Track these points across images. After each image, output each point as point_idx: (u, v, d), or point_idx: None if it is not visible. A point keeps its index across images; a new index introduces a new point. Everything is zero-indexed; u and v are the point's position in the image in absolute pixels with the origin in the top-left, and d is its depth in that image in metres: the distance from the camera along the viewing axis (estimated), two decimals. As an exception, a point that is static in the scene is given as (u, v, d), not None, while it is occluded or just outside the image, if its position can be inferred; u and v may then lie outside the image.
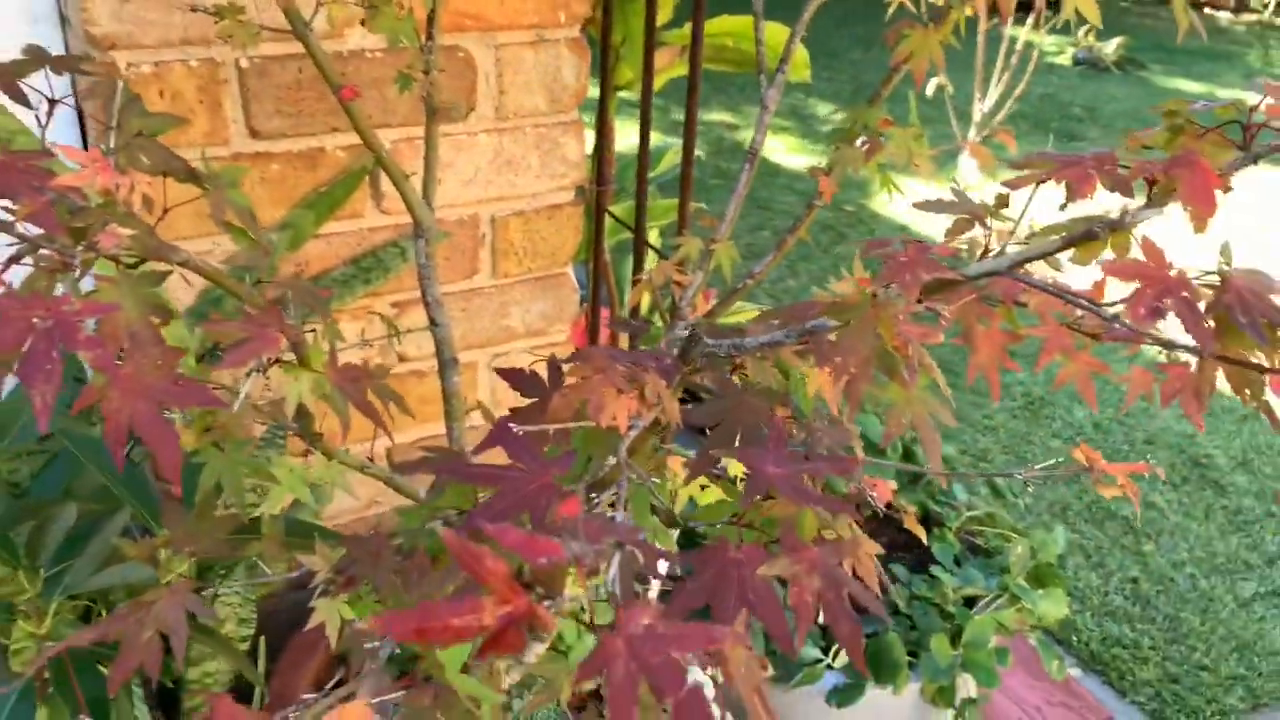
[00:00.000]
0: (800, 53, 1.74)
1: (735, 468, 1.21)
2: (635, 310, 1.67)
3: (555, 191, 1.57)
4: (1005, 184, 0.59)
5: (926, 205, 0.64)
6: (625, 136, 4.30)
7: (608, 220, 1.67)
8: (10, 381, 1.17)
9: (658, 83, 1.54)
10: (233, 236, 0.72)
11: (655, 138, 1.60)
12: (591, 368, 0.57)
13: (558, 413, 0.56)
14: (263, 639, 1.33)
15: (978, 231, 0.62)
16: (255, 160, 1.34)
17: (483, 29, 1.41)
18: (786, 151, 4.96)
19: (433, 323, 1.12)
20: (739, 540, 0.55)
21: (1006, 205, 0.62)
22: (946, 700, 1.64)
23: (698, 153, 2.56)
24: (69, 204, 0.63)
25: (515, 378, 0.67)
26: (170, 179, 0.72)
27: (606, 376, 0.56)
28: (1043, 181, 0.56)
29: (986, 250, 0.61)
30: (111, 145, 0.67)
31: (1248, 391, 0.54)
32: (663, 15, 1.62)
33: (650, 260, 1.73)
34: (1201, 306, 0.52)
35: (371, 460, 0.92)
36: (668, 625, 0.39)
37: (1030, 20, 4.50)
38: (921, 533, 0.77)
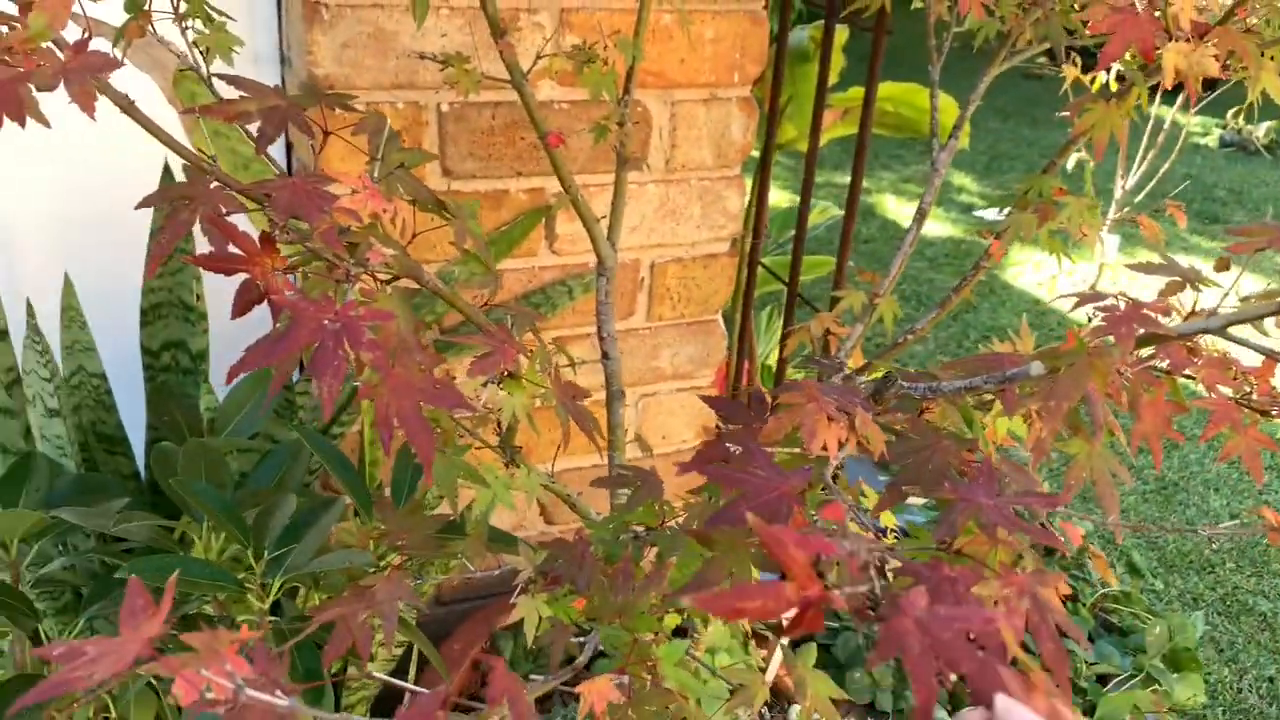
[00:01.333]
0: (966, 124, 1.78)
1: (888, 518, 1.24)
2: (782, 364, 1.71)
3: (713, 241, 1.63)
4: (1227, 249, 0.62)
5: (1138, 267, 0.68)
6: (773, 193, 4.38)
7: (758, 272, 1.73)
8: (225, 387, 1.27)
9: (821, 142, 1.60)
10: (466, 261, 0.80)
11: (797, 197, 1.66)
12: (804, 396, 0.62)
13: (771, 434, 0.61)
14: (414, 648, 1.40)
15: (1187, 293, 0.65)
16: (446, 198, 1.43)
17: (662, 86, 1.49)
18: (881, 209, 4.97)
19: (605, 355, 1.19)
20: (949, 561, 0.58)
21: (1227, 267, 0.65)
22: (1074, 777, 1.61)
23: (835, 211, 2.61)
24: (338, 225, 0.72)
25: (718, 403, 0.72)
26: (416, 208, 0.80)
27: (819, 405, 0.61)
28: (1262, 250, 0.59)
29: (1194, 312, 0.64)
30: (375, 175, 0.75)
31: None
32: (830, 79, 1.67)
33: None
34: None
35: (554, 478, 0.98)
36: (946, 608, 0.43)
37: (1180, 100, 4.43)
38: (1113, 578, 0.79)
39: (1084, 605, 1.87)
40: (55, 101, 0.61)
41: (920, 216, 1.24)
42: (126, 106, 0.68)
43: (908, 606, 0.41)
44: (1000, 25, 1.16)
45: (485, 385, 0.72)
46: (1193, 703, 1.67)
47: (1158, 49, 0.89)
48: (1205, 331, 0.61)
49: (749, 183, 1.69)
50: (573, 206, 1.12)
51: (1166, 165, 4.41)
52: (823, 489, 0.61)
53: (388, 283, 0.74)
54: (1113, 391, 0.63)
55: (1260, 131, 6.30)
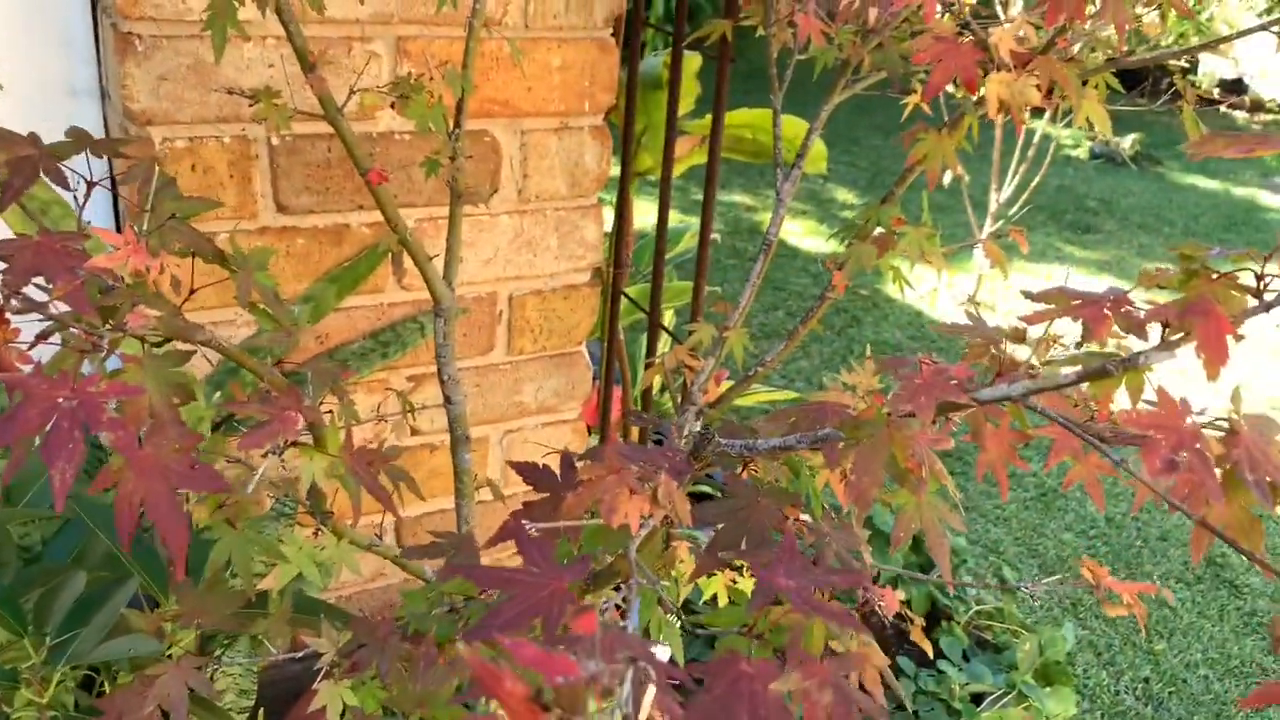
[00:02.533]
0: (818, 146, 1.78)
1: (715, 584, 1.21)
2: (647, 393, 1.68)
3: (572, 272, 1.59)
4: (1023, 319, 0.60)
5: (945, 328, 0.66)
6: (643, 215, 4.35)
7: (623, 301, 1.69)
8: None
9: (677, 169, 1.57)
10: (256, 317, 0.74)
11: (674, 217, 1.63)
12: (605, 468, 0.58)
13: (571, 510, 0.57)
14: (261, 711, 1.32)
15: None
16: (282, 234, 1.37)
17: (510, 115, 1.44)
18: (803, 234, 5.01)
19: (448, 400, 1.13)
20: (749, 651, 0.55)
21: (1023, 339, 0.63)
22: (951, 800, 1.61)
23: (714, 234, 2.60)
24: (100, 283, 0.65)
25: (528, 471, 0.68)
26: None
27: (620, 477, 0.57)
28: (1058, 318, 0.58)
29: (1000, 373, 0.62)
30: (144, 227, 0.69)
31: (1245, 544, 0.55)
32: (684, 106, 1.65)
33: (664, 342, 1.75)
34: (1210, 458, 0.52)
35: (380, 536, 0.92)
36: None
37: (1048, 114, 4.57)
38: (928, 646, 0.76)
39: (958, 624, 1.88)
40: None
41: (767, 247, 1.22)
42: None
43: None
44: (839, 53, 1.15)
45: (273, 454, 0.66)
46: (1063, 716, 1.69)
47: (982, 79, 0.88)
48: (1007, 399, 0.59)
49: (609, 212, 1.66)
50: (402, 245, 1.06)
51: (1039, 177, 4.54)
52: (622, 563, 0.56)
53: (158, 346, 0.68)
54: (911, 466, 0.60)
55: (1126, 143, 6.56)
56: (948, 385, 0.57)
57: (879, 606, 0.69)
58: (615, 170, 1.64)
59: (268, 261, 0.71)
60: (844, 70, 1.16)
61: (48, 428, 0.54)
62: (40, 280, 0.62)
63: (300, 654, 1.36)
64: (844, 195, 5.65)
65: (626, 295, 1.68)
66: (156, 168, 0.69)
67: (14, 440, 0.54)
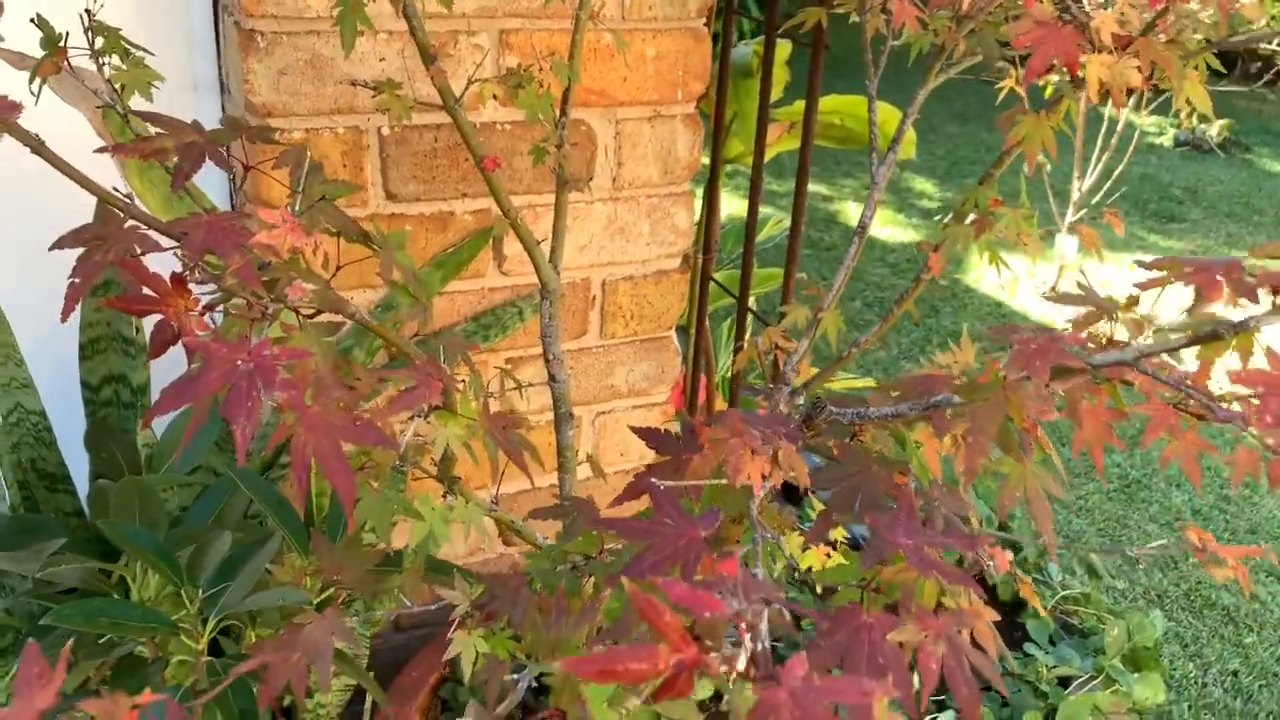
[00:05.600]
0: (908, 132, 1.79)
1: (838, 531, 1.24)
2: (737, 377, 1.71)
3: (663, 258, 1.63)
4: (1137, 285, 0.63)
5: (1058, 298, 0.68)
6: (726, 207, 4.37)
7: (710, 287, 1.73)
8: (165, 417, 1.25)
9: (766, 156, 1.60)
10: (397, 293, 0.79)
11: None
12: (728, 430, 0.62)
13: (697, 470, 0.61)
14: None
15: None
16: (390, 221, 1.43)
17: (605, 105, 1.49)
18: (880, 224, 4.99)
19: (552, 378, 1.18)
20: (867, 604, 0.58)
21: (1136, 304, 0.65)
22: (1038, 781, 1.62)
23: (788, 223, 2.62)
24: (258, 260, 0.71)
25: (651, 436, 0.72)
26: (342, 239, 0.79)
27: (743, 440, 0.61)
28: (1170, 284, 0.60)
29: (1111, 342, 0.64)
30: (296, 208, 0.74)
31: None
32: (774, 93, 1.68)
33: (751, 326, 1.78)
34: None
35: (496, 504, 0.97)
36: (821, 678, 0.43)
37: (1131, 101, 4.48)
38: (1037, 600, 0.79)
39: (1044, 608, 1.88)
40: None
41: (861, 231, 1.24)
42: (36, 146, 0.67)
43: (784, 676, 0.40)
44: (934, 39, 1.17)
45: (412, 419, 0.71)
46: (1152, 701, 1.69)
47: (1082, 62, 0.90)
48: (1120, 363, 0.61)
49: (700, 198, 1.69)
50: (514, 229, 1.11)
51: (1122, 165, 4.46)
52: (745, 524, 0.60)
53: (310, 318, 0.73)
54: (1028, 426, 0.63)
55: (1214, 130, 6.39)
56: (1061, 350, 0.60)
57: (989, 566, 0.71)
58: (705, 159, 1.67)
59: (405, 242, 0.76)
60: (938, 56, 1.18)
61: (228, 388, 0.60)
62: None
63: (397, 622, 1.42)
64: (921, 185, 5.60)
65: (716, 280, 1.71)
66: (308, 154, 0.74)
67: (198, 399, 0.60)
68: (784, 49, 1.69)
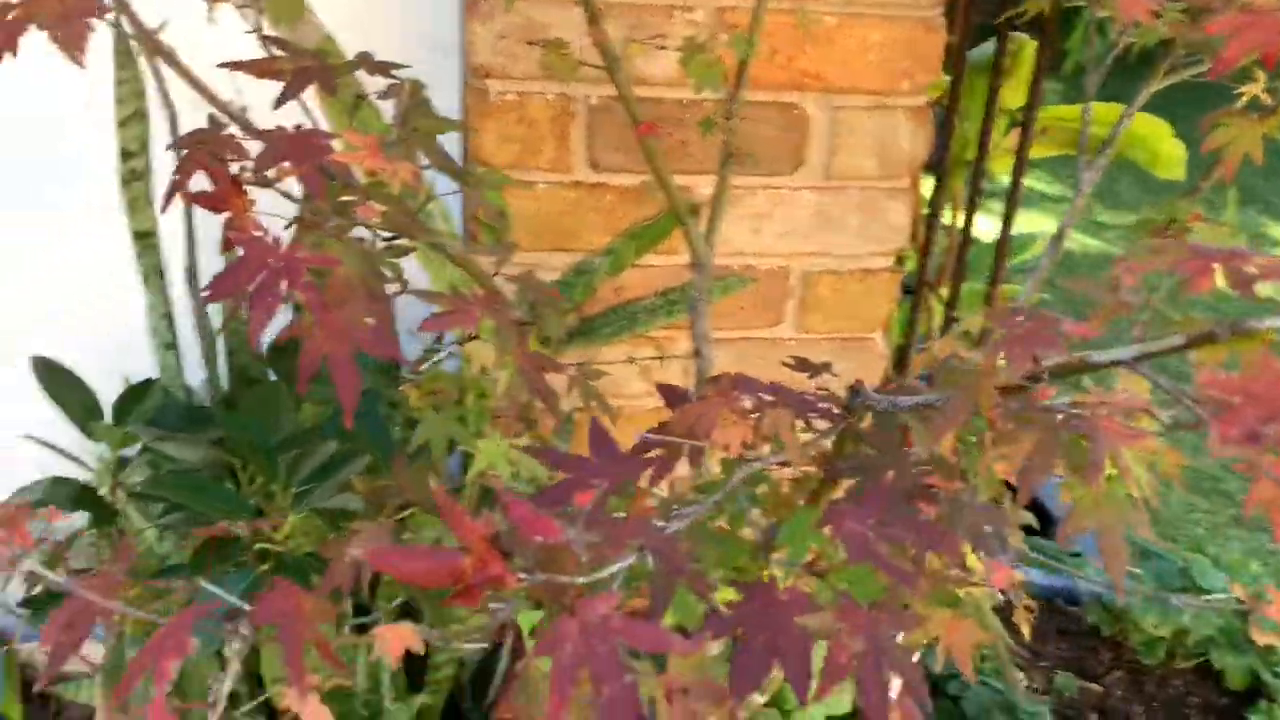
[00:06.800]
0: (1177, 149, 1.61)
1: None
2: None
3: (873, 255, 1.57)
4: (1122, 264, 0.53)
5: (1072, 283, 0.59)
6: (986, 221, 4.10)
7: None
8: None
9: (1002, 161, 1.50)
10: (484, 233, 0.82)
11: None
12: (717, 390, 0.59)
13: (674, 426, 0.58)
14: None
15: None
16: (592, 190, 1.47)
17: (821, 89, 1.45)
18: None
19: (697, 353, 1.17)
20: (793, 582, 0.54)
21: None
22: None
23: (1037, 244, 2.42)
24: (345, 180, 0.76)
25: (667, 392, 0.70)
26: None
27: (725, 401, 0.58)
28: (1158, 270, 0.51)
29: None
30: (393, 137, 0.79)
31: None
32: (1018, 98, 1.56)
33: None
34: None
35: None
36: (623, 620, 0.40)
37: None
38: (1026, 628, 0.69)
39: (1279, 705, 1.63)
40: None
41: (1057, 240, 1.14)
42: (169, 59, 0.75)
43: (582, 610, 0.38)
44: (1164, 32, 1.04)
45: (457, 344, 0.74)
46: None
47: (1293, 52, 0.76)
48: (1119, 363, 0.52)
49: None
50: (669, 200, 1.11)
51: None
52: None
53: (390, 240, 0.78)
54: (990, 415, 0.55)
55: None
56: (1050, 338, 0.52)
57: (986, 585, 0.63)
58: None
59: (501, 185, 0.78)
60: (1167, 52, 1.06)
61: (257, 281, 0.64)
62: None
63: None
64: (1131, 194, 4.99)
65: (930, 286, 1.62)
66: (408, 87, 0.78)
67: (233, 289, 0.65)
68: (1030, 46, 1.56)
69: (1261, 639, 0.63)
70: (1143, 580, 1.75)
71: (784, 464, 0.64)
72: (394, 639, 0.52)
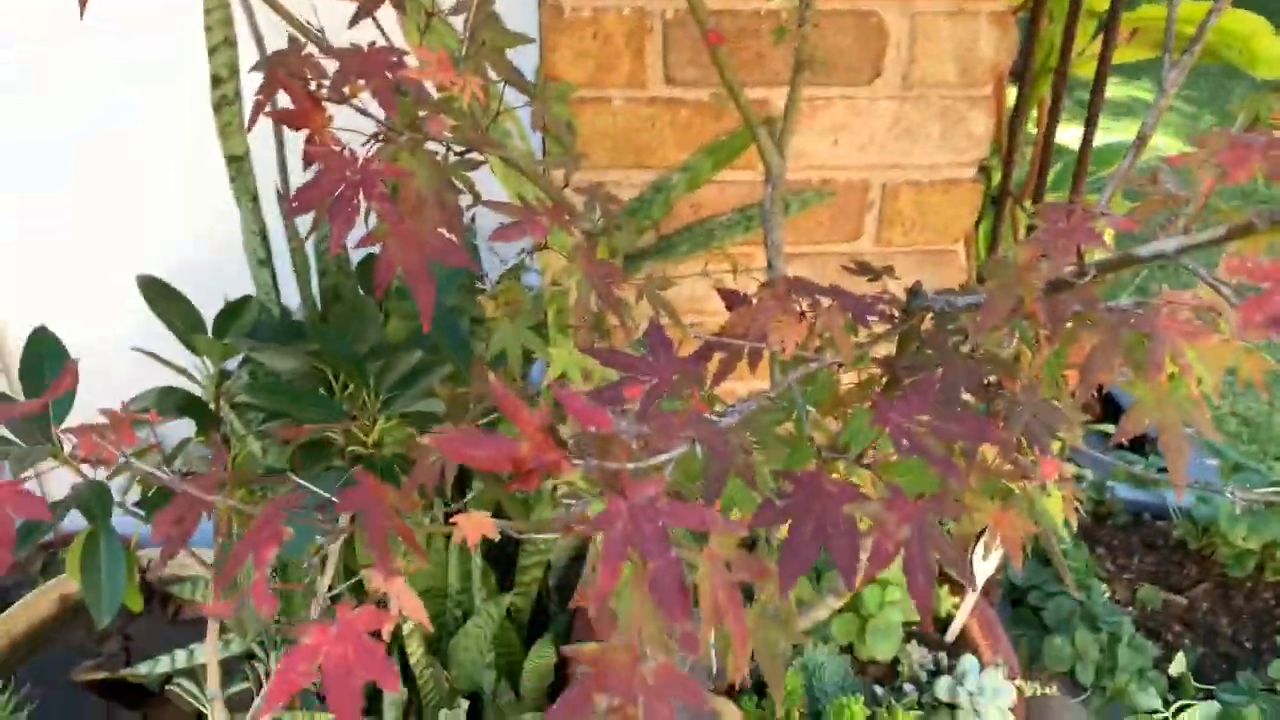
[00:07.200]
0: (1276, 46, 1.54)
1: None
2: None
3: (954, 165, 1.54)
4: (1167, 161, 0.53)
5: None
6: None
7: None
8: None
9: (1090, 66, 1.45)
10: (550, 143, 0.84)
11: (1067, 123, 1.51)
12: (773, 293, 0.61)
13: (731, 327, 0.60)
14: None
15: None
16: (668, 105, 1.47)
17: (900, -4, 1.42)
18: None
19: (770, 265, 1.18)
20: (846, 474, 0.56)
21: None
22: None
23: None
24: (418, 95, 0.78)
25: (728, 295, 0.71)
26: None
27: (781, 303, 0.59)
28: (1204, 161, 0.50)
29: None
30: (464, 52, 0.81)
31: None
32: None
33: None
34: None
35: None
36: (669, 503, 0.43)
37: None
38: (1059, 513, 0.70)
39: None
40: None
41: (1139, 143, 1.10)
42: (249, -17, 0.78)
43: (631, 492, 0.41)
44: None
45: (527, 254, 0.77)
46: None
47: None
48: (1161, 256, 0.52)
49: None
50: (739, 110, 1.12)
51: None
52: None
53: (463, 154, 0.80)
54: (1033, 308, 0.56)
55: None
56: (1091, 232, 0.52)
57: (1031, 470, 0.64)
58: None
59: (568, 95, 0.80)
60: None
61: (336, 193, 0.68)
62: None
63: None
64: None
65: (1014, 197, 1.59)
66: (477, 3, 0.80)
67: (314, 202, 0.68)
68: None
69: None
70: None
71: (839, 365, 0.65)
72: (472, 526, 0.56)
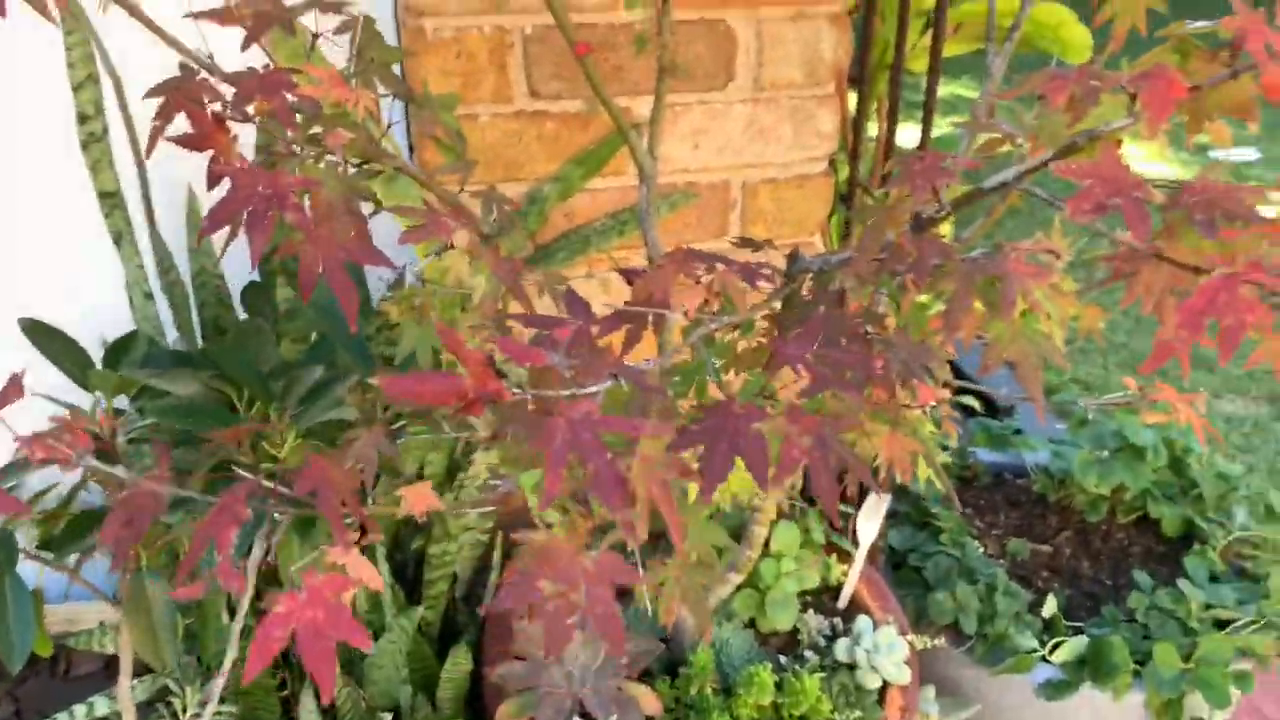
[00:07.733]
0: (1081, 32, 1.70)
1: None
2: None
3: (806, 161, 1.64)
4: (993, 96, 0.62)
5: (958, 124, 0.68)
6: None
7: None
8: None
9: (921, 61, 1.57)
10: (441, 151, 0.88)
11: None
12: (671, 260, 0.67)
13: (636, 296, 0.66)
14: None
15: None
16: (534, 118, 1.53)
17: (746, 4, 1.51)
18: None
19: (650, 261, 1.25)
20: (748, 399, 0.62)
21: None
22: (1173, 716, 1.55)
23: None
24: (311, 112, 0.82)
25: (630, 273, 0.77)
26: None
27: (679, 268, 0.65)
28: (1030, 92, 0.59)
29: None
30: (352, 69, 0.85)
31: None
32: (931, -5, 1.64)
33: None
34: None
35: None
36: (603, 416, 0.48)
37: None
38: (952, 430, 0.79)
39: (1213, 547, 1.77)
40: None
41: (971, 129, 1.22)
42: (133, 11, 0.80)
43: (567, 409, 0.46)
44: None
45: (434, 255, 0.81)
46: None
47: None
48: (1004, 185, 0.61)
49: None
50: (610, 116, 1.18)
51: None
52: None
53: (360, 165, 0.84)
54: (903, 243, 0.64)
55: None
56: (943, 171, 0.61)
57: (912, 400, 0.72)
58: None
59: (455, 104, 0.85)
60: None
61: (249, 210, 0.71)
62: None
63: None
64: None
65: (863, 188, 1.70)
66: (362, 20, 0.84)
67: (227, 219, 0.71)
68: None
69: (1152, 419, 0.73)
70: (1081, 444, 1.87)
71: (736, 326, 0.72)
72: (417, 498, 0.60)
